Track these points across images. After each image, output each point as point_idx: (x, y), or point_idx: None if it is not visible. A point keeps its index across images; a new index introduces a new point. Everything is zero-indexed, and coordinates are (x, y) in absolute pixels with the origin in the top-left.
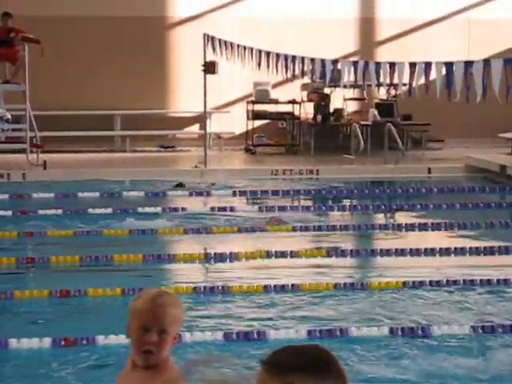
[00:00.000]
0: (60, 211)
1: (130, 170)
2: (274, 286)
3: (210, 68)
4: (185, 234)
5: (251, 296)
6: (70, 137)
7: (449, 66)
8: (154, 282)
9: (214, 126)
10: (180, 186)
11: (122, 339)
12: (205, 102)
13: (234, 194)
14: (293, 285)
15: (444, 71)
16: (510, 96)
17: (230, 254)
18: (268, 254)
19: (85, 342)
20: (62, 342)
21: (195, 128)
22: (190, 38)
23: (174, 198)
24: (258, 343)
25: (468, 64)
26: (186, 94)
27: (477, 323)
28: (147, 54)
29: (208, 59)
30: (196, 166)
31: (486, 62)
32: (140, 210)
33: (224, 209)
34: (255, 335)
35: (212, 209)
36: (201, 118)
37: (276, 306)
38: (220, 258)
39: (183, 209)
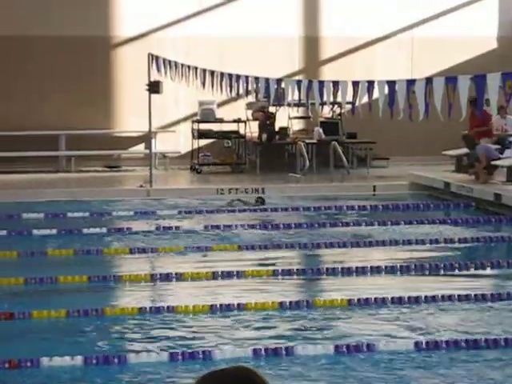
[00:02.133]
0: (4, 232)
1: (75, 190)
2: (220, 305)
3: (154, 88)
4: (131, 253)
5: (197, 316)
6: (15, 157)
7: (391, 84)
8: (100, 303)
9: (160, 145)
10: (260, 200)
11: (66, 361)
12: (150, 121)
13: (180, 213)
14: (238, 304)
15: (387, 90)
16: (452, 114)
17: (176, 274)
18: (214, 275)
19: (29, 364)
20: (6, 365)
21: (140, 147)
22: (134, 58)
23: (119, 218)
24: (203, 363)
25: (410, 82)
26: (131, 114)
27: (420, 339)
28: (92, 74)
29: (152, 79)
30: (141, 186)
31: (428, 80)
32: (85, 230)
33: (170, 228)
34: (200, 355)
35: (158, 228)
36: (146, 138)
37: (222, 325)
38: (166, 278)
39: (129, 229)
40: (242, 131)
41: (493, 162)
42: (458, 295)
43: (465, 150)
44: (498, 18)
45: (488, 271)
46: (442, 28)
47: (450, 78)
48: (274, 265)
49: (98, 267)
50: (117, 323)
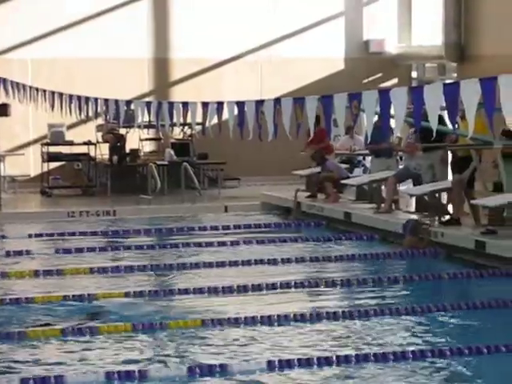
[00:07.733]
0: None
1: None
2: (72, 328)
3: (2, 111)
4: None
5: (47, 339)
6: None
7: (240, 105)
8: None
9: (9, 168)
10: None
11: None
12: None
13: (30, 236)
14: (90, 328)
15: (236, 111)
16: (301, 134)
17: (26, 298)
18: (65, 298)
19: None
20: None
21: None
22: None
23: None
24: None
25: (259, 103)
26: None
27: (273, 358)
28: None
29: (0, 102)
30: None
31: (277, 100)
32: None
33: (20, 252)
34: (52, 380)
35: (7, 253)
36: None
37: (74, 350)
38: (16, 302)
39: None
40: (92, 153)
41: (342, 181)
42: (310, 314)
43: (314, 170)
44: (345, 39)
45: (338, 289)
46: (291, 49)
47: (298, 98)
48: (125, 286)
49: None
50: None
